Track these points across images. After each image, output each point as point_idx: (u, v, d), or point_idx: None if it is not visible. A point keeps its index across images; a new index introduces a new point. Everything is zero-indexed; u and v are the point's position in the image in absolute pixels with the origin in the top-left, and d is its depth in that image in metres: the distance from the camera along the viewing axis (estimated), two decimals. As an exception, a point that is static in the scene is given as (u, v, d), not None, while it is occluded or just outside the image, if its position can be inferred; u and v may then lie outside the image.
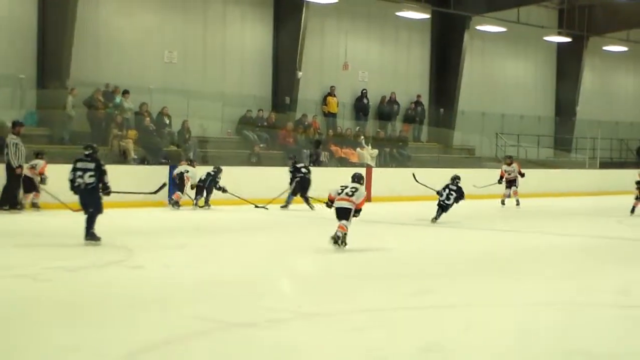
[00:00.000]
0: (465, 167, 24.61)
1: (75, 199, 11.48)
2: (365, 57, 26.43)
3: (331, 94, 25.13)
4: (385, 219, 16.73)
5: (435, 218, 15.73)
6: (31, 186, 15.93)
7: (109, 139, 19.35)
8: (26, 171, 15.70)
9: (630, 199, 18.57)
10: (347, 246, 11.16)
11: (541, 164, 28.59)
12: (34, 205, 16.10)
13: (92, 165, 10.99)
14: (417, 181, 17.53)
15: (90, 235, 11.04)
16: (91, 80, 19.88)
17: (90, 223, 11.06)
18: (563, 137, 32.53)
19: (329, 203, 11.60)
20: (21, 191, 15.87)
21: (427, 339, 6.39)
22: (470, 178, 19.65)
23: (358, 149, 23.91)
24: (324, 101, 25.13)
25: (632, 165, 31.47)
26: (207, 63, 22.85)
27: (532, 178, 22.89)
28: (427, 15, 26.90)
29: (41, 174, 15.75)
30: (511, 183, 20.85)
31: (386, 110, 26.61)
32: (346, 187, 11.50)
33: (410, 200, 20.85)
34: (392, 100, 26.83)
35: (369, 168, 22.31)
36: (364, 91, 26.01)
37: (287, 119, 23.63)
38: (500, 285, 9.00)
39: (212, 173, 17.86)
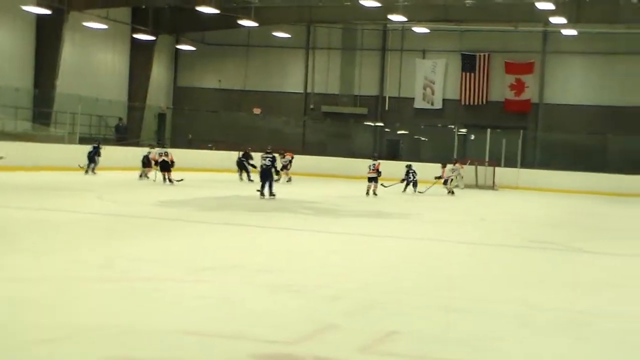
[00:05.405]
0: None
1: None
2: None
3: None
4: None
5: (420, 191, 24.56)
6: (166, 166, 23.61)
7: None
8: (158, 157, 23.89)
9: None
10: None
11: (20, 136, 27.64)
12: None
13: (270, 156, 19.48)
14: (384, 186, 23.43)
15: (271, 194, 19.08)
16: None
17: (270, 187, 19.14)
18: (42, 111, 31.81)
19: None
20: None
21: None
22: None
23: None
24: None
25: (112, 142, 31.97)
26: None
27: (11, 151, 22.02)
28: None
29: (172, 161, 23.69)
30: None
31: None
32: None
33: None
34: None
35: None
36: None
37: None
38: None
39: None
